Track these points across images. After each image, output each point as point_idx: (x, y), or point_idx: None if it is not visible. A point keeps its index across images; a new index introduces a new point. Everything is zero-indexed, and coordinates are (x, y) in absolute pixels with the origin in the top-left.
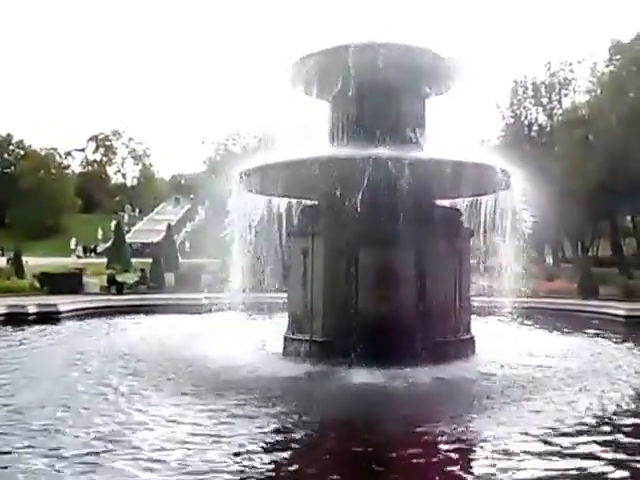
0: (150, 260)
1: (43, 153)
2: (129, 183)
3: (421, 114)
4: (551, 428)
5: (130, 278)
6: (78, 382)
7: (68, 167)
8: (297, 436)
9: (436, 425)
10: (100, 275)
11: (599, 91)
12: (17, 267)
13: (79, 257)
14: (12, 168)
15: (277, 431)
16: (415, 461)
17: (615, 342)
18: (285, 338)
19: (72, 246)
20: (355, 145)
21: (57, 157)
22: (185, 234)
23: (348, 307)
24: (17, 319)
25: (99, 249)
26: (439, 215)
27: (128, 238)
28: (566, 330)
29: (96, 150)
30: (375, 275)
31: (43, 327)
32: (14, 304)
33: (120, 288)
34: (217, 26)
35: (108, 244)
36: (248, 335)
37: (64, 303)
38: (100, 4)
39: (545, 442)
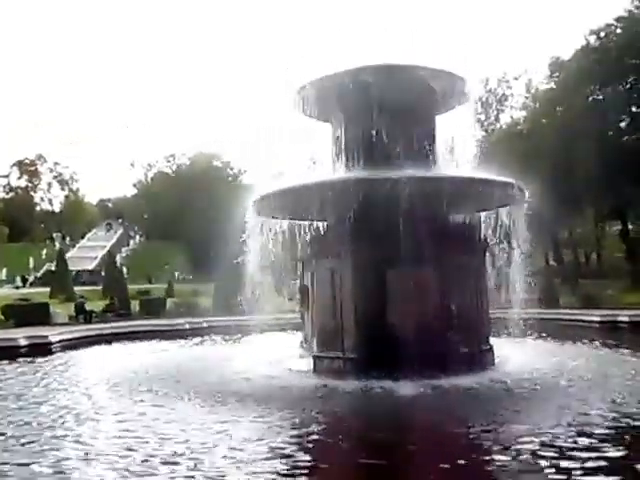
0: (89, 288)
1: None
2: (56, 209)
3: (433, 131)
4: None
5: (97, 306)
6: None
7: None
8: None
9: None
10: (60, 305)
11: (537, 105)
12: None
13: (18, 287)
14: None
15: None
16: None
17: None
18: (315, 357)
19: (3, 277)
20: (371, 166)
21: None
22: (121, 260)
23: (379, 324)
24: (9, 352)
25: (30, 279)
26: (459, 231)
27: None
28: (558, 337)
29: (20, 176)
30: (403, 291)
31: (48, 358)
32: (3, 337)
33: (89, 317)
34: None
35: (39, 273)
36: (266, 356)
37: (54, 334)
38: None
39: None
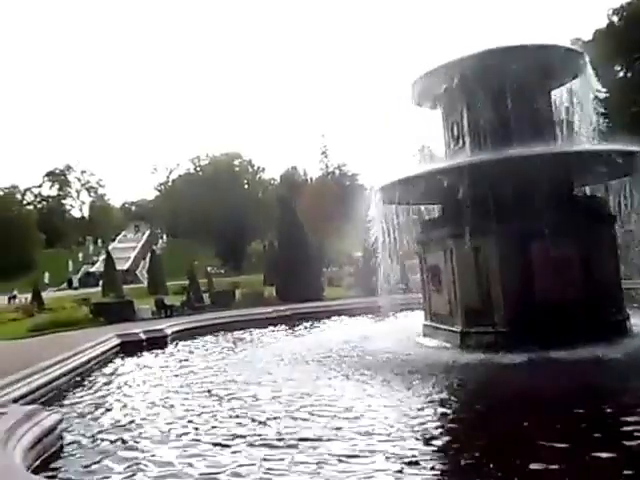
0: (133, 286)
1: (1, 192)
2: (86, 215)
3: (551, 107)
4: None
5: (176, 301)
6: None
7: (29, 204)
8: None
9: None
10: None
11: None
12: (39, 303)
13: (76, 288)
14: None
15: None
16: None
17: None
18: (462, 332)
19: (46, 280)
20: (498, 146)
21: (18, 195)
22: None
23: (528, 296)
24: (132, 347)
25: (75, 282)
26: (594, 202)
27: (97, 267)
28: None
29: (52, 186)
30: (548, 264)
31: (180, 348)
32: (124, 333)
33: (170, 311)
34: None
35: (79, 276)
36: (393, 334)
37: (169, 327)
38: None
39: None
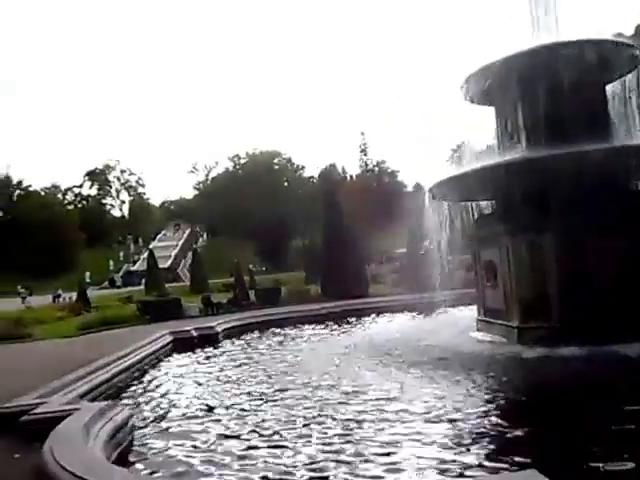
0: (175, 284)
1: (43, 192)
2: (125, 214)
3: (605, 101)
4: None
5: (222, 298)
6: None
7: (69, 204)
8: None
9: None
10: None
11: None
12: (84, 302)
13: (119, 287)
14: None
15: None
16: None
17: None
18: (519, 327)
19: (87, 279)
20: (552, 142)
21: (59, 195)
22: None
23: (587, 291)
24: (184, 343)
25: (118, 280)
26: None
27: (138, 266)
28: None
29: (92, 185)
30: (606, 260)
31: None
32: (177, 330)
33: (216, 309)
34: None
35: (120, 274)
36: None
37: (219, 324)
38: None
39: None
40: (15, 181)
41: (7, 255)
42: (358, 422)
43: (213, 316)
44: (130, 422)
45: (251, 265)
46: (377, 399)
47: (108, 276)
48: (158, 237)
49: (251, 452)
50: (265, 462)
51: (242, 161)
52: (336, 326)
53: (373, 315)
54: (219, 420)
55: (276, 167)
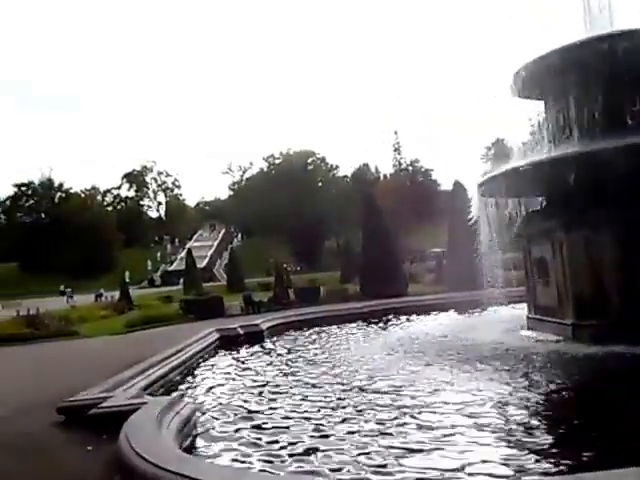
0: (213, 284)
1: (83, 195)
2: (162, 214)
3: None
4: None
5: (262, 297)
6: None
7: (108, 205)
8: None
9: None
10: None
11: None
12: (127, 300)
13: (158, 286)
14: (55, 212)
15: None
16: None
17: None
18: (574, 325)
19: (127, 279)
20: (611, 135)
21: (98, 197)
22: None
23: None
24: (230, 341)
25: (157, 280)
26: None
27: (175, 266)
28: None
29: (130, 187)
30: None
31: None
32: (223, 328)
33: (257, 307)
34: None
35: (158, 274)
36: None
37: (264, 322)
38: (125, 45)
39: None
40: (56, 184)
41: (49, 256)
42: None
43: (254, 314)
44: (195, 416)
45: (285, 264)
46: (455, 404)
47: (147, 276)
48: (194, 237)
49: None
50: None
51: (277, 161)
52: (381, 324)
53: (416, 313)
54: (279, 409)
55: (310, 167)
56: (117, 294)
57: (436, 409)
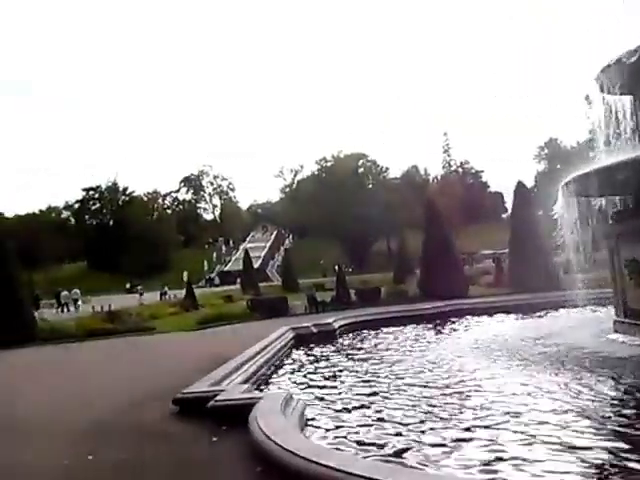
0: (266, 284)
1: (145, 198)
2: (217, 217)
3: None
4: None
5: (325, 297)
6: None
7: (168, 208)
8: None
9: None
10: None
11: None
12: (192, 299)
13: (217, 285)
14: (119, 214)
15: None
16: None
17: None
18: None
19: (185, 278)
20: None
21: (159, 200)
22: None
23: None
24: (305, 339)
25: (216, 280)
26: None
27: (231, 266)
28: None
29: (188, 191)
30: None
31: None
32: (298, 326)
33: (322, 307)
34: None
35: (214, 274)
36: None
37: (335, 321)
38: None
39: None
40: (121, 188)
41: (114, 256)
42: None
43: (317, 314)
44: (305, 412)
45: (337, 266)
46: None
47: (204, 275)
48: (247, 239)
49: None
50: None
51: (328, 164)
52: (448, 325)
53: (487, 315)
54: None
55: (360, 169)
56: (179, 293)
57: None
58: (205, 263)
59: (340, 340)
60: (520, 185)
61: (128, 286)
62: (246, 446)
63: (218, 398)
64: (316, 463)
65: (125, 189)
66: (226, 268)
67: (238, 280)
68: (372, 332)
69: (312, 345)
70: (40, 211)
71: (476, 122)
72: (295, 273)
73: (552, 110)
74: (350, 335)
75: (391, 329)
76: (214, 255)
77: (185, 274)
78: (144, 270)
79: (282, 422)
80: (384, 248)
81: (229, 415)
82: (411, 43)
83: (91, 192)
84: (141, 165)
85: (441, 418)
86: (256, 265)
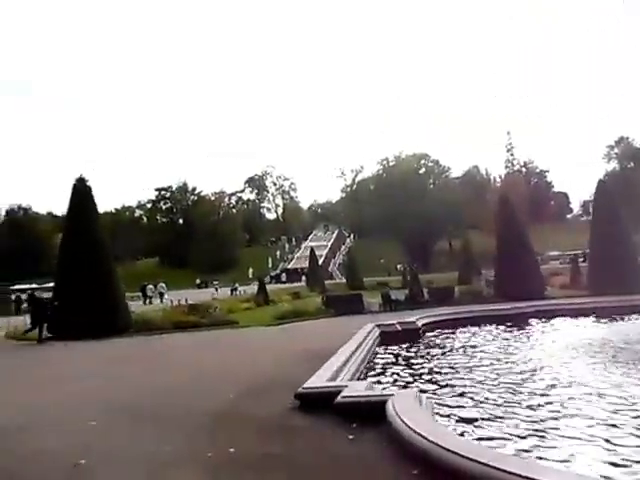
0: (331, 282)
1: (212, 198)
2: (279, 216)
3: None
4: None
5: (400, 295)
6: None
7: (233, 207)
8: None
9: None
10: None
11: None
12: (264, 295)
13: (283, 282)
14: (189, 213)
15: None
16: None
17: None
18: None
19: (250, 275)
20: None
21: (225, 200)
22: (344, 257)
23: None
24: (390, 337)
25: (283, 276)
26: None
27: (294, 264)
28: None
29: (252, 191)
30: None
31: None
32: (383, 324)
33: (395, 305)
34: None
35: (278, 271)
36: None
37: (419, 319)
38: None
39: None
40: (190, 188)
41: (183, 253)
42: None
43: (391, 312)
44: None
45: (399, 265)
46: None
47: (269, 272)
48: (310, 237)
49: None
50: None
51: (390, 164)
52: (536, 326)
53: (570, 316)
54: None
55: (422, 170)
56: (247, 288)
57: None
58: (269, 260)
59: (426, 338)
60: (601, 183)
61: (198, 282)
62: (389, 444)
63: (344, 394)
64: (486, 465)
65: (194, 189)
66: (289, 265)
67: (303, 277)
68: (456, 331)
69: (398, 342)
70: (115, 209)
71: (538, 122)
72: (359, 271)
73: (621, 108)
74: (434, 333)
75: (472, 329)
76: (277, 253)
77: (250, 271)
78: (212, 267)
79: (429, 420)
80: (445, 248)
81: (358, 412)
82: (466, 44)
83: (162, 192)
84: (208, 166)
85: None
86: (319, 263)
